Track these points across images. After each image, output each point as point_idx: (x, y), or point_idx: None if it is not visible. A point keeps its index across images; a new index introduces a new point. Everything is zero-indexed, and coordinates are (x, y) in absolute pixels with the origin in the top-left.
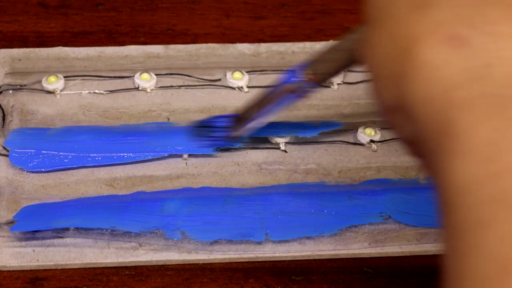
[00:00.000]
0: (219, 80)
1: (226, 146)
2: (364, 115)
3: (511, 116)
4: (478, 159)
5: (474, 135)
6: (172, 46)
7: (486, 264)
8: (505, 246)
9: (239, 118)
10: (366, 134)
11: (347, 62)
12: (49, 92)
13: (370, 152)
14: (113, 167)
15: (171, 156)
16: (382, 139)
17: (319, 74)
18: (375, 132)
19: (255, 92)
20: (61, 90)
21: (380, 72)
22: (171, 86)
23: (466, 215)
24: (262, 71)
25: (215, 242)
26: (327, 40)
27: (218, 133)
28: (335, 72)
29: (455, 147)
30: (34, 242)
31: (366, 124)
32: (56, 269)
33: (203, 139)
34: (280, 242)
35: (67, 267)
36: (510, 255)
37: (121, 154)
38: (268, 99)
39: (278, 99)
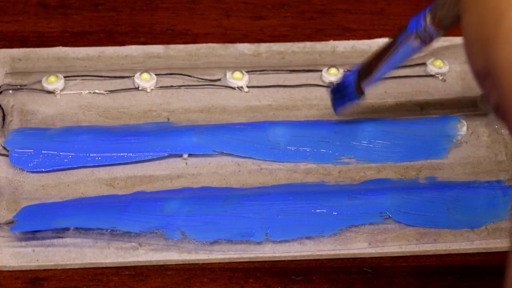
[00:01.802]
0: (219, 80)
1: (350, 101)
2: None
3: None
4: None
5: None
6: (172, 46)
7: None
8: None
9: (365, 70)
10: None
11: None
12: (49, 92)
13: None
14: (113, 167)
15: (171, 156)
16: None
17: (441, 18)
18: None
19: (255, 92)
20: (61, 90)
21: (472, 37)
22: (171, 86)
23: None
24: (262, 71)
25: (215, 242)
26: (327, 40)
27: (348, 89)
28: (456, 16)
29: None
30: (34, 242)
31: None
32: (56, 269)
33: (339, 102)
34: (280, 242)
35: (67, 267)
36: None
37: (121, 154)
38: (392, 48)
39: (403, 47)
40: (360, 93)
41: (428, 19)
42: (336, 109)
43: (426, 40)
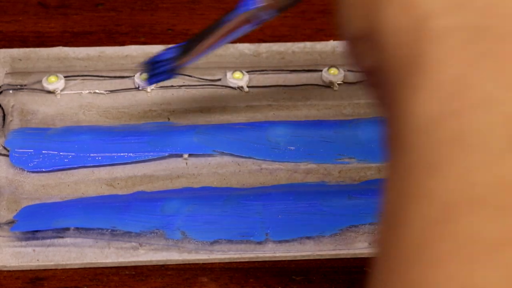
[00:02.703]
0: (219, 80)
1: (168, 78)
2: None
3: (484, 50)
4: (442, 95)
5: (441, 70)
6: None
7: (431, 209)
8: (455, 189)
9: (188, 46)
10: None
11: None
12: (49, 92)
13: None
14: (113, 167)
15: (171, 156)
16: None
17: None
18: None
19: (255, 92)
20: (61, 90)
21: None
22: (171, 86)
23: (420, 154)
24: (262, 71)
25: (215, 242)
26: (328, 40)
27: (165, 66)
28: None
29: (419, 81)
30: (34, 242)
31: None
32: (56, 269)
33: (151, 74)
34: (280, 242)
35: (67, 267)
36: (456, 199)
37: (121, 154)
38: (222, 28)
39: (233, 28)
40: (177, 71)
41: (266, 1)
42: (150, 82)
43: (259, 21)
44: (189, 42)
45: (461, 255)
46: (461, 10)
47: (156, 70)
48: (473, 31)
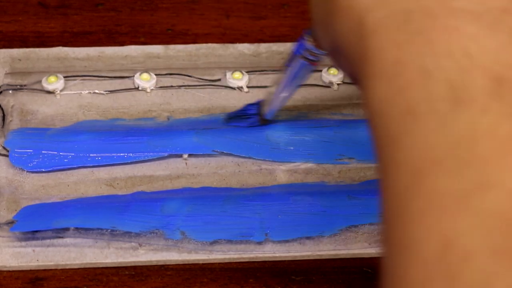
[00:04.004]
0: (219, 80)
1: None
2: None
3: (413, 30)
4: (386, 77)
5: (382, 56)
6: (172, 46)
7: (401, 178)
8: (416, 155)
9: (266, 100)
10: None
11: None
12: (49, 92)
13: None
14: (113, 167)
15: (171, 156)
16: None
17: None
18: None
19: (255, 92)
20: (61, 90)
21: (316, 19)
22: (171, 86)
23: (382, 132)
24: (262, 71)
25: (215, 242)
26: None
27: (249, 120)
28: None
29: (369, 70)
30: (34, 242)
31: None
32: (56, 269)
33: (233, 124)
34: (280, 242)
35: (67, 267)
36: (420, 164)
37: (121, 154)
38: (286, 75)
39: (294, 70)
40: (264, 122)
41: (310, 41)
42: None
43: (315, 60)
44: (266, 96)
45: (434, 209)
46: (390, 0)
47: (239, 123)
48: (401, 15)
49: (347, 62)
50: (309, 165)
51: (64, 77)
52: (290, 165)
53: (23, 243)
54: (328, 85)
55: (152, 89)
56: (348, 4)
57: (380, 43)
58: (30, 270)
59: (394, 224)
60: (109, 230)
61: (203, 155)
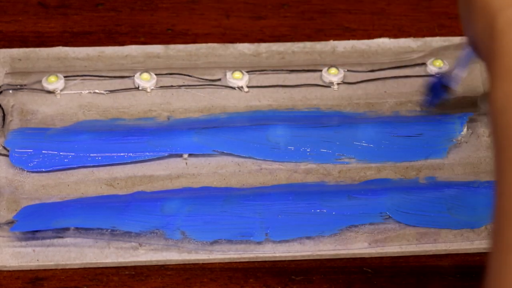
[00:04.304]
0: (219, 80)
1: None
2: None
3: None
4: (511, 77)
5: (508, 55)
6: (172, 46)
7: None
8: None
9: (448, 74)
10: None
11: None
12: (49, 92)
13: None
14: (113, 167)
15: (171, 156)
16: None
17: None
18: None
19: (255, 92)
20: (61, 90)
21: (461, 17)
22: (171, 86)
23: (505, 130)
24: (262, 71)
25: (215, 242)
26: (327, 40)
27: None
28: None
29: (496, 70)
30: (34, 242)
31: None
32: (56, 269)
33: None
34: (280, 242)
35: (67, 267)
36: None
37: (121, 154)
38: (463, 53)
39: (468, 51)
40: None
41: None
42: (429, 104)
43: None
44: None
45: None
46: None
47: (435, 99)
48: None
49: (482, 60)
50: (309, 165)
51: (64, 77)
52: (290, 165)
53: (23, 243)
54: (328, 85)
55: (152, 89)
56: (483, 4)
57: (508, 44)
58: (30, 270)
59: (509, 225)
60: (109, 230)
61: (203, 155)
